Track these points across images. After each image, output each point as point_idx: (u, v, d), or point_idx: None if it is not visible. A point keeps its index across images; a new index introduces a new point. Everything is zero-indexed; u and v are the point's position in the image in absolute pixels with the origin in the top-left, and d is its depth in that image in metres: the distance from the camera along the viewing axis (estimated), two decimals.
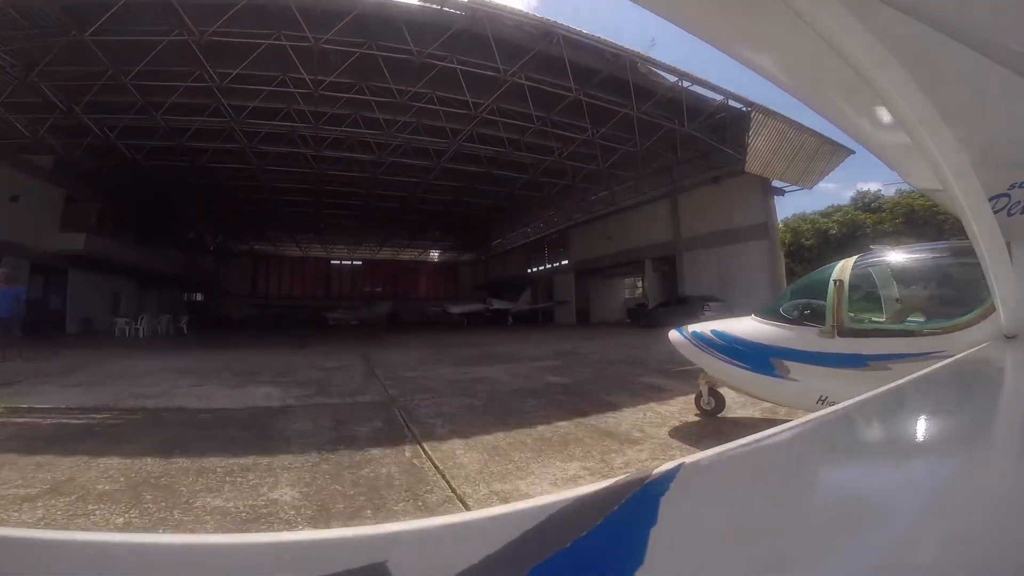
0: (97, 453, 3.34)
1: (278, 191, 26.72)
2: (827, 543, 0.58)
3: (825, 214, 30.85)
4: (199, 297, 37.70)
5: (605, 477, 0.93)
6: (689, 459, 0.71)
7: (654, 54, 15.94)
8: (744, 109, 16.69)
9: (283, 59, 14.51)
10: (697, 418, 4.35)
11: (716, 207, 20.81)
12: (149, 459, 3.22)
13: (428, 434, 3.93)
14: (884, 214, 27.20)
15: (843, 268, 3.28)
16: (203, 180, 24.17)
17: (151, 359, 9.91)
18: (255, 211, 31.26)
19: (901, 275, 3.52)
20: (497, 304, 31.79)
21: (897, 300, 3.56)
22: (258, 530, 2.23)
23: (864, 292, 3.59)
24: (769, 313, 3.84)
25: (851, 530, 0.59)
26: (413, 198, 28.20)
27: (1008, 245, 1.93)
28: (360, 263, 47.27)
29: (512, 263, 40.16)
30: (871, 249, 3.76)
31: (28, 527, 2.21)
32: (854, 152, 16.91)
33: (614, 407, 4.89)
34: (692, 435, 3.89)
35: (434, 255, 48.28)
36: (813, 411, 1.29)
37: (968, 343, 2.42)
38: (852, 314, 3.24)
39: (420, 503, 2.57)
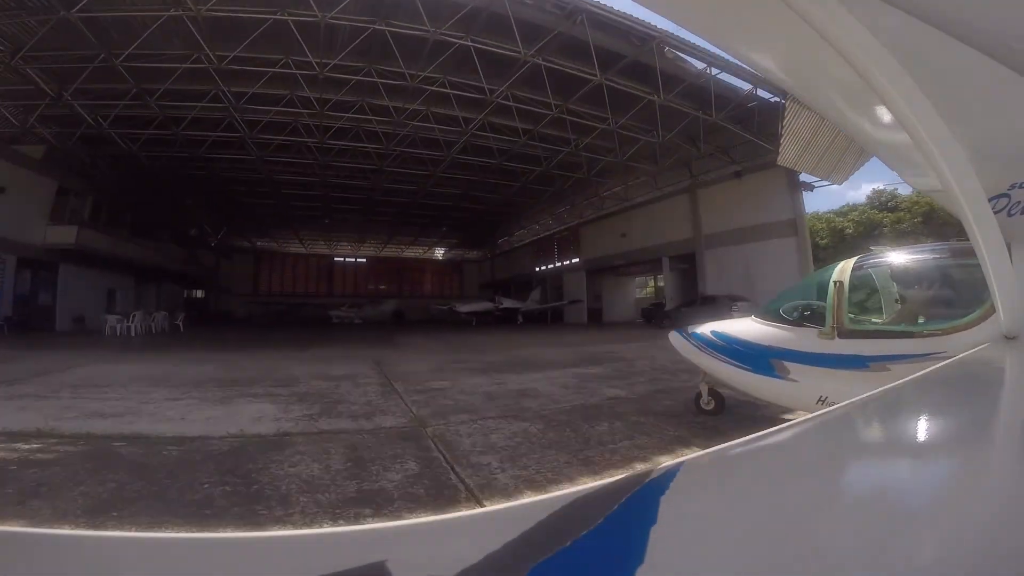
0: None
1: (280, 184, 25.65)
2: (827, 542, 0.57)
3: (840, 213, 30.08)
4: (199, 294, 36.98)
5: None
6: (689, 458, 0.75)
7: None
8: (776, 100, 15.68)
9: (287, 39, 13.47)
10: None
11: (739, 203, 19.95)
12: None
13: (486, 484, 2.89)
14: (902, 213, 26.37)
15: (843, 269, 3.27)
16: (202, 172, 23.17)
17: (132, 362, 8.90)
18: (256, 205, 30.24)
19: (901, 276, 3.49)
20: (507, 303, 30.71)
21: (897, 301, 3.56)
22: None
23: (864, 293, 3.61)
24: (769, 314, 3.82)
25: (851, 529, 0.59)
26: (420, 192, 27.17)
27: (1008, 246, 1.93)
28: (364, 260, 46.46)
29: (519, 261, 39.23)
30: (871, 250, 3.75)
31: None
32: None
33: (719, 432, 3.89)
34: None
35: (439, 253, 47.43)
36: (813, 412, 1.38)
37: (968, 344, 2.38)
38: (852, 315, 3.22)
39: None
